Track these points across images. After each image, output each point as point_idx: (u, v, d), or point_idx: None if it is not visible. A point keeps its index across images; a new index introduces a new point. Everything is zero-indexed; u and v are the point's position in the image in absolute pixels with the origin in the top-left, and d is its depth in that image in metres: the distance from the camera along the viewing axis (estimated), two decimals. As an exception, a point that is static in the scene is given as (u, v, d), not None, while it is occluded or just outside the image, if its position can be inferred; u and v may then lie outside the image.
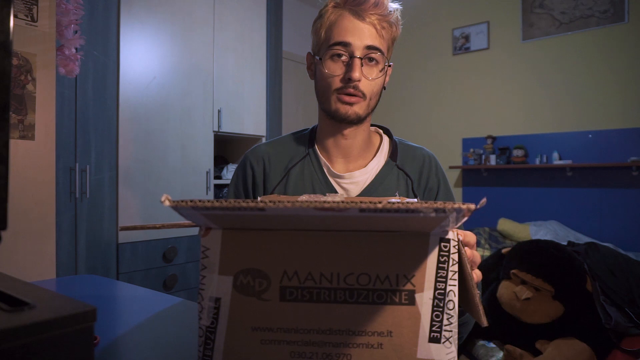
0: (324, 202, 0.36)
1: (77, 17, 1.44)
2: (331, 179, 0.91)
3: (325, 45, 0.86)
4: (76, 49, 1.47)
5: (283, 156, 0.94)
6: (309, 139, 0.96)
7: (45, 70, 1.33)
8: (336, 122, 0.89)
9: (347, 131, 0.90)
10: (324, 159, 0.92)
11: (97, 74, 2.09)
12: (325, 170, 0.92)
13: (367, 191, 0.89)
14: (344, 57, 0.84)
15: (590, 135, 3.46)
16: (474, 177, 4.04)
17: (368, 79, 0.84)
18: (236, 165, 2.88)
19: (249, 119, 2.82)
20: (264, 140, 2.92)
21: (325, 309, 0.45)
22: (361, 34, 0.83)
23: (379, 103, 0.92)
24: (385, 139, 0.97)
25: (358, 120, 0.88)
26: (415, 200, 0.42)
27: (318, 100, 0.91)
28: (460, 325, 0.68)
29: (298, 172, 0.92)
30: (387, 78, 0.92)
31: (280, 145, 0.96)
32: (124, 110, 2.19)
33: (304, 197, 0.39)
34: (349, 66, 0.83)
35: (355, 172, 0.91)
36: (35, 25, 1.30)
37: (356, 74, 0.82)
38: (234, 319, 0.45)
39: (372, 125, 0.98)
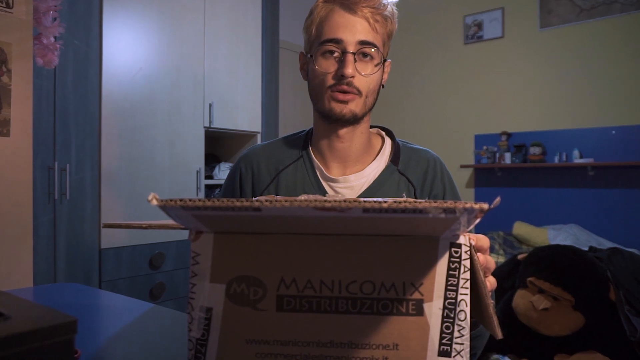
0: (325, 201, 0.36)
1: (56, 3, 1.44)
2: (324, 183, 0.92)
3: (317, 42, 0.87)
4: (55, 37, 1.47)
5: (274, 158, 0.96)
6: (304, 140, 0.98)
7: (22, 60, 1.33)
8: (331, 123, 0.89)
9: (343, 132, 0.90)
10: (317, 161, 0.93)
11: (78, 64, 2.09)
12: (318, 174, 0.93)
13: (364, 197, 0.89)
14: (336, 54, 0.85)
15: (613, 132, 3.46)
16: (487, 177, 4.04)
17: (361, 74, 0.85)
18: (229, 164, 2.88)
19: (243, 114, 2.82)
20: (259, 137, 2.92)
21: (325, 320, 0.45)
22: (353, 28, 0.85)
23: (382, 99, 0.92)
24: (388, 141, 0.97)
25: (354, 120, 0.88)
26: (423, 201, 0.42)
27: (312, 101, 0.92)
28: (473, 339, 0.68)
29: (290, 174, 0.93)
30: (386, 76, 0.93)
31: (273, 148, 0.98)
32: (107, 105, 2.19)
33: (302, 197, 0.39)
34: (341, 62, 0.85)
35: (351, 176, 0.91)
36: (10, 12, 1.30)
37: (349, 70, 0.83)
38: (227, 331, 0.46)
39: (373, 126, 0.99)
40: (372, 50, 0.86)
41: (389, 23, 0.89)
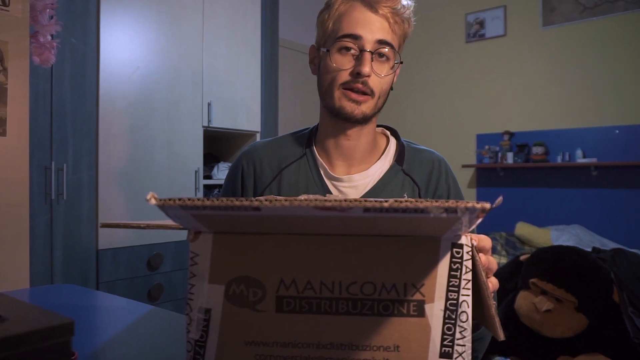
0: (325, 200, 0.36)
1: (53, 0, 1.44)
2: (328, 182, 0.92)
3: (333, 37, 0.87)
4: (52, 35, 1.47)
5: (277, 156, 0.96)
6: (307, 138, 0.97)
7: (18, 59, 1.33)
8: (339, 121, 0.89)
9: (351, 131, 0.90)
10: (321, 160, 0.93)
11: (75, 63, 2.09)
12: (321, 172, 0.93)
13: (368, 196, 0.89)
14: (353, 51, 0.85)
15: (617, 131, 3.46)
16: (489, 177, 4.04)
17: (379, 75, 0.85)
18: (228, 163, 2.88)
19: (242, 113, 2.82)
20: (258, 136, 2.92)
21: (325, 321, 0.45)
22: (373, 26, 0.84)
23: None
24: (392, 141, 0.98)
25: (364, 120, 0.88)
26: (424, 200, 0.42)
27: (320, 97, 0.92)
28: (475, 341, 0.68)
29: (293, 172, 0.93)
30: (395, 78, 0.92)
31: (276, 145, 0.98)
32: (104, 104, 2.18)
33: (302, 197, 0.39)
34: (358, 60, 0.84)
35: (355, 176, 0.91)
36: (6, 10, 1.30)
37: (366, 69, 0.83)
38: (226, 332, 0.45)
39: (378, 126, 0.99)
40: (389, 50, 0.85)
41: (406, 25, 0.89)
